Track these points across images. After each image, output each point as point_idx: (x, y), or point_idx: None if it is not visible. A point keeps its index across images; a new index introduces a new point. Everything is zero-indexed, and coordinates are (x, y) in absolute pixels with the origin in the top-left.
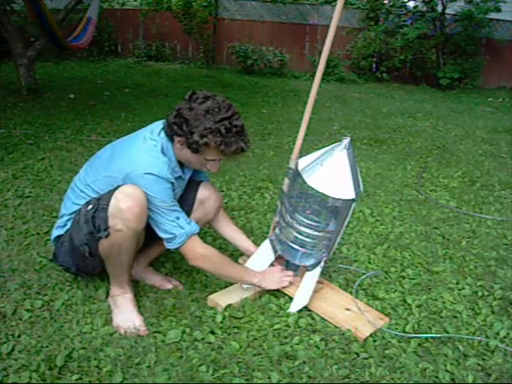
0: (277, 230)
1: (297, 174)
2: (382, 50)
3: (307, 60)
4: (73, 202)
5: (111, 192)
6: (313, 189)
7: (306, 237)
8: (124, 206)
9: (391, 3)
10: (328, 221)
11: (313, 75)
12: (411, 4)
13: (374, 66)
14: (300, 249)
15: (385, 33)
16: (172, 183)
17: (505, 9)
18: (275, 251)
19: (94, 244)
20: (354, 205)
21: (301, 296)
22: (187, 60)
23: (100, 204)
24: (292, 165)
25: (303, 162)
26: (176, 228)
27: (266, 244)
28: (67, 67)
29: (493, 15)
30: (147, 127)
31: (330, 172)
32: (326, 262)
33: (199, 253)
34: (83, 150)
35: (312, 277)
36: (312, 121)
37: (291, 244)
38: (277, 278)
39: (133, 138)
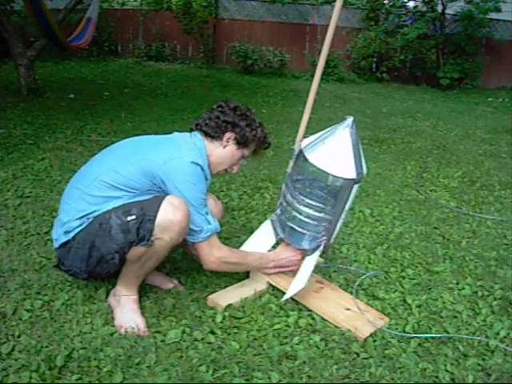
0: (278, 211)
1: (299, 152)
2: (382, 50)
3: (307, 60)
4: (82, 208)
5: (154, 203)
6: (313, 166)
7: (307, 217)
8: (174, 218)
9: (391, 3)
10: (328, 201)
11: (313, 75)
12: (411, 4)
13: (373, 65)
14: (300, 230)
15: (385, 33)
16: (207, 180)
17: (505, 9)
18: (276, 233)
19: (126, 251)
20: (355, 187)
21: (298, 280)
22: (187, 60)
23: (146, 215)
24: (296, 147)
25: (306, 141)
26: (204, 222)
27: (267, 224)
28: (67, 67)
29: (493, 15)
30: (169, 135)
31: (332, 150)
32: (325, 247)
33: (215, 256)
34: (83, 150)
35: (310, 261)
36: (312, 121)
37: (292, 225)
38: (288, 259)
39: (163, 137)
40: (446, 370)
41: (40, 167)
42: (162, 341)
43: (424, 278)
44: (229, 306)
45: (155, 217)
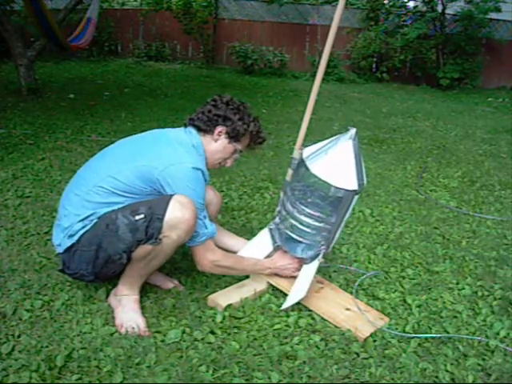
0: (277, 219)
1: (301, 162)
2: (382, 50)
3: (307, 60)
4: (83, 211)
5: (162, 201)
6: (315, 176)
7: (306, 227)
8: (182, 217)
9: (391, 3)
10: (329, 211)
11: (313, 75)
12: (411, 4)
13: (373, 65)
14: (299, 239)
15: (385, 33)
16: (205, 182)
17: (505, 9)
18: (274, 241)
19: (133, 250)
20: (356, 197)
21: (297, 289)
22: (187, 60)
23: (154, 214)
24: (295, 155)
25: (308, 151)
26: (201, 227)
27: (265, 232)
28: (67, 67)
29: (493, 15)
30: (164, 135)
31: (334, 161)
32: (324, 256)
33: (208, 259)
34: (83, 150)
35: (309, 270)
36: (312, 121)
37: (291, 234)
38: (284, 267)
39: (159, 137)
40: (446, 370)
41: (40, 167)
42: (162, 341)
43: (424, 278)
44: (229, 305)
45: (163, 215)
